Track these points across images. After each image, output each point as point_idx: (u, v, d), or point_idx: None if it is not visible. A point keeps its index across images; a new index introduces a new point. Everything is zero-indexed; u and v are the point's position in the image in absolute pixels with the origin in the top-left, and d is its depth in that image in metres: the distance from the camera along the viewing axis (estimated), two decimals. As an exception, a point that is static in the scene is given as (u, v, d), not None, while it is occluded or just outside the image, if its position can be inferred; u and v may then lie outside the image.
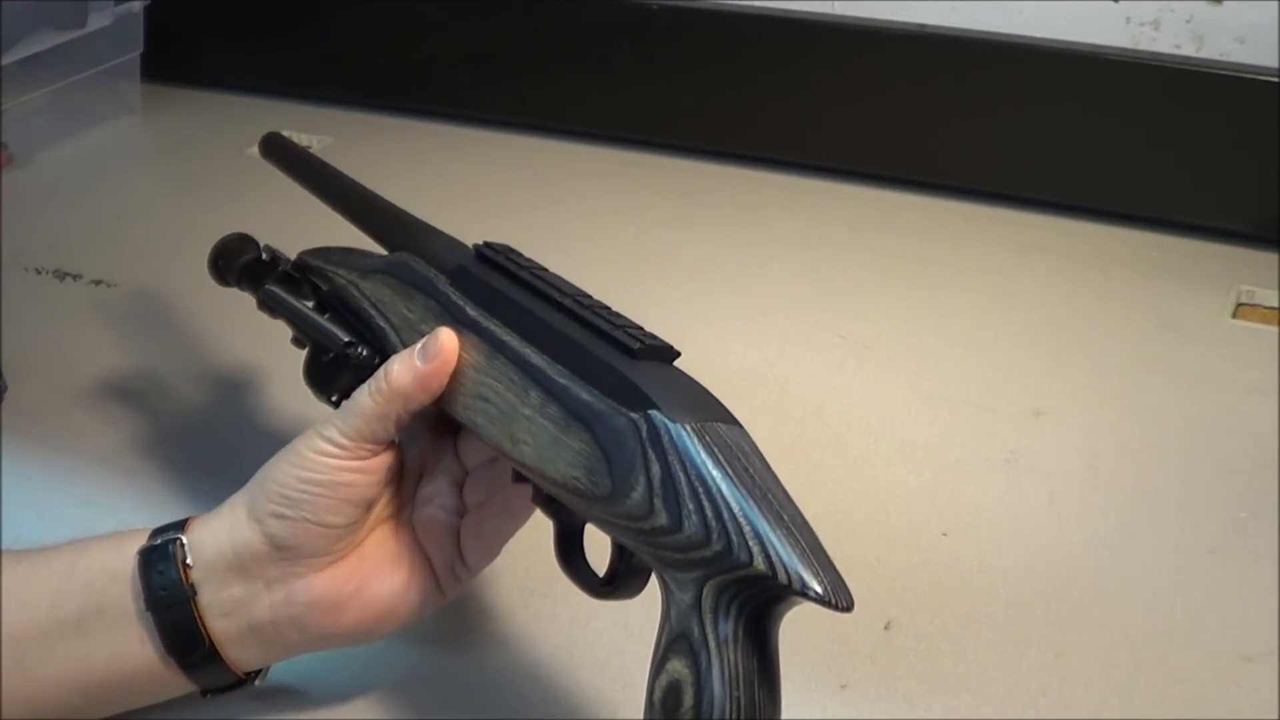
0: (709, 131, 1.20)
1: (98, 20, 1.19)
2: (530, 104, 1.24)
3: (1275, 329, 0.95)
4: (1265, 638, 0.67)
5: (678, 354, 0.56)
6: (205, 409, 0.85)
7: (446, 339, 0.58)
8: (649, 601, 0.69)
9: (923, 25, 1.11)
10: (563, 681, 0.64)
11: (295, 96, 1.30)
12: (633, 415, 0.52)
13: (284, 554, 0.58)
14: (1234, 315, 0.97)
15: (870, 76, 1.13)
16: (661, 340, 0.56)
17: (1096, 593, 0.70)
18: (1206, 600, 0.70)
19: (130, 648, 0.58)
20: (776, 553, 0.48)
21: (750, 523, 0.48)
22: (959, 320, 0.96)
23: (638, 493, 0.51)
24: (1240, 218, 1.06)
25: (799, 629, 0.67)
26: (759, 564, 0.48)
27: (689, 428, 0.51)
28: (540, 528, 0.74)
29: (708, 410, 0.53)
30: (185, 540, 0.59)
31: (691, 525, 0.49)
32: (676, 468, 0.50)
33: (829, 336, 0.94)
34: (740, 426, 0.53)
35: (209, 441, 0.82)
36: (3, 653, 0.57)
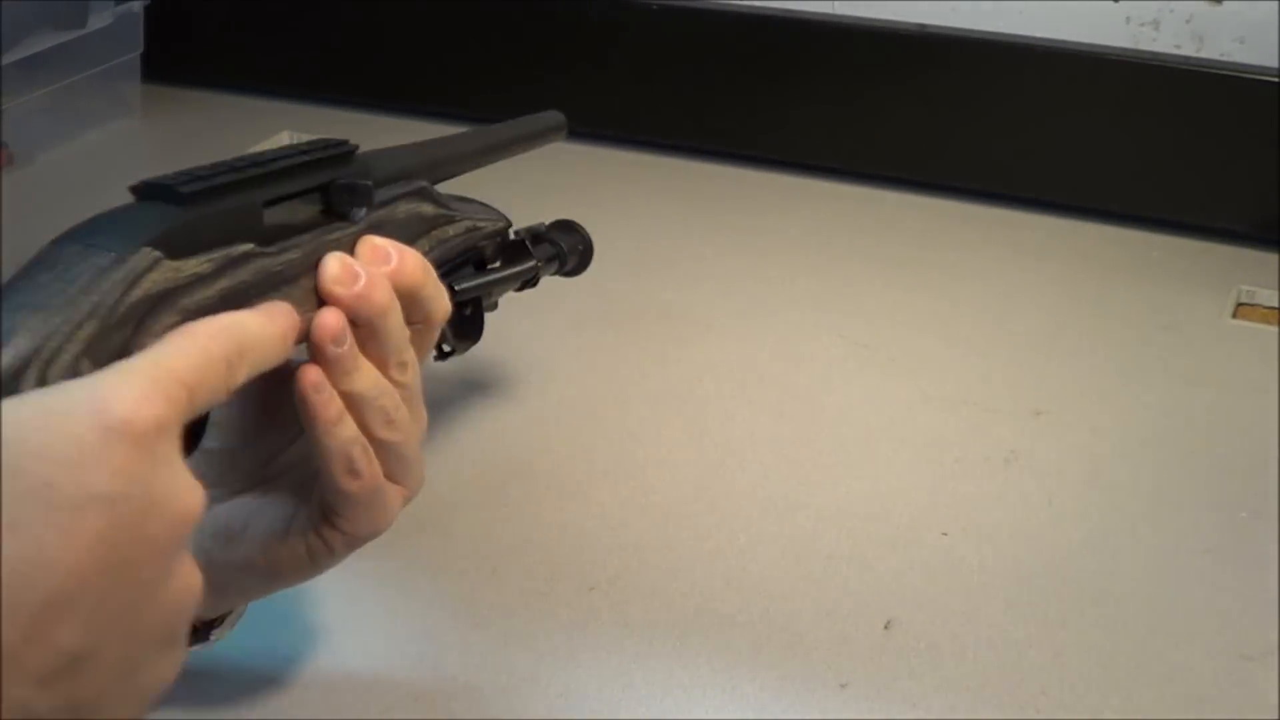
0: (709, 131, 1.20)
1: (98, 20, 1.19)
2: (530, 104, 1.24)
3: (1275, 329, 0.95)
4: (1265, 638, 0.67)
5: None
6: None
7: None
8: (649, 602, 0.69)
9: (923, 25, 1.11)
10: (562, 681, 0.64)
11: (295, 96, 1.30)
12: None
13: None
14: (1234, 315, 0.97)
15: (870, 76, 1.13)
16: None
17: (1096, 593, 0.70)
18: (1206, 600, 0.70)
19: None
20: None
21: None
22: (959, 320, 0.96)
23: None
24: (1240, 218, 1.06)
25: (799, 628, 0.68)
26: None
27: None
28: (539, 527, 0.74)
29: None
30: None
31: None
32: None
33: (829, 336, 0.94)
34: None
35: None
36: None
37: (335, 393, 0.53)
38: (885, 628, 0.68)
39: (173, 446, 0.41)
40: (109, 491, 0.39)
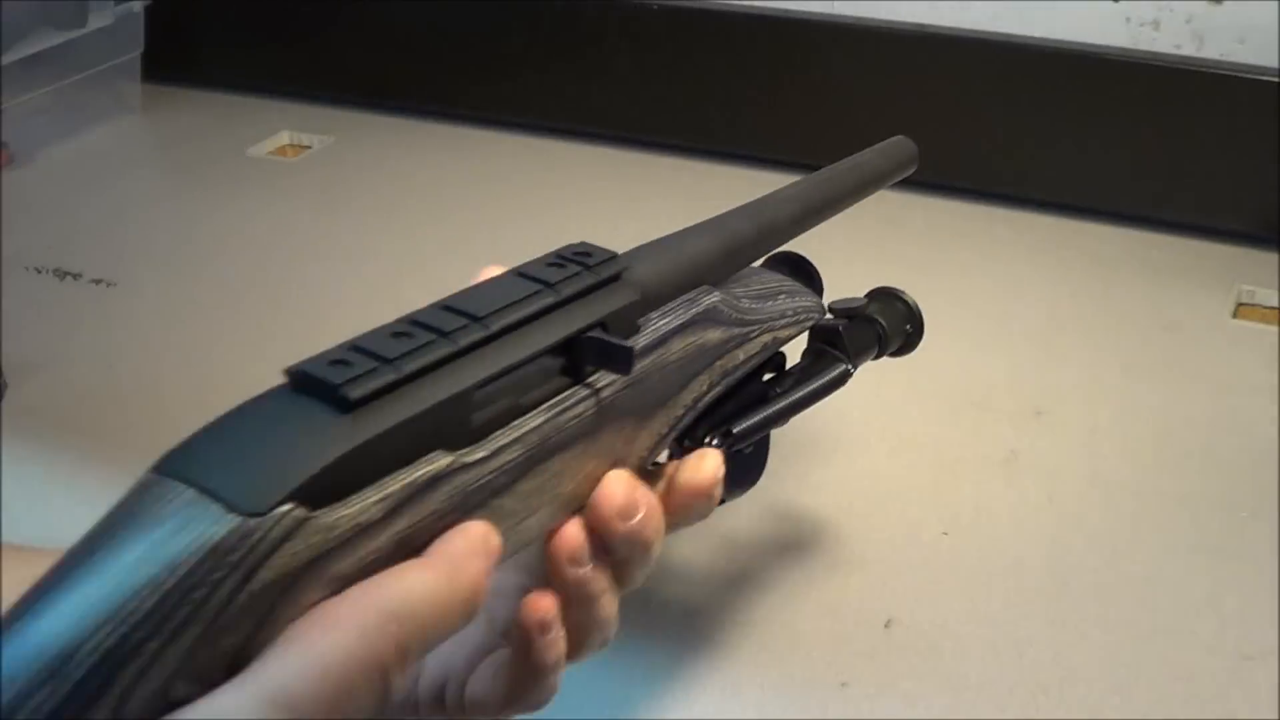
0: (709, 131, 1.20)
1: (98, 20, 1.19)
2: (530, 104, 1.24)
3: (1275, 329, 0.95)
4: (1265, 637, 0.67)
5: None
6: (206, 409, 0.85)
7: None
8: (647, 602, 0.69)
9: (922, 25, 1.11)
10: (563, 680, 0.64)
11: (295, 96, 1.30)
12: None
13: None
14: (1234, 315, 0.97)
15: (870, 76, 1.13)
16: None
17: (1096, 592, 0.70)
18: (1206, 600, 0.70)
19: None
20: None
21: None
22: (960, 320, 0.96)
23: None
24: (1240, 218, 1.06)
25: (799, 627, 0.68)
26: None
27: None
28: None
29: None
30: None
31: None
32: None
33: (829, 336, 0.93)
34: None
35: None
36: None
37: (562, 632, 0.44)
38: (885, 626, 0.68)
39: None
40: None
